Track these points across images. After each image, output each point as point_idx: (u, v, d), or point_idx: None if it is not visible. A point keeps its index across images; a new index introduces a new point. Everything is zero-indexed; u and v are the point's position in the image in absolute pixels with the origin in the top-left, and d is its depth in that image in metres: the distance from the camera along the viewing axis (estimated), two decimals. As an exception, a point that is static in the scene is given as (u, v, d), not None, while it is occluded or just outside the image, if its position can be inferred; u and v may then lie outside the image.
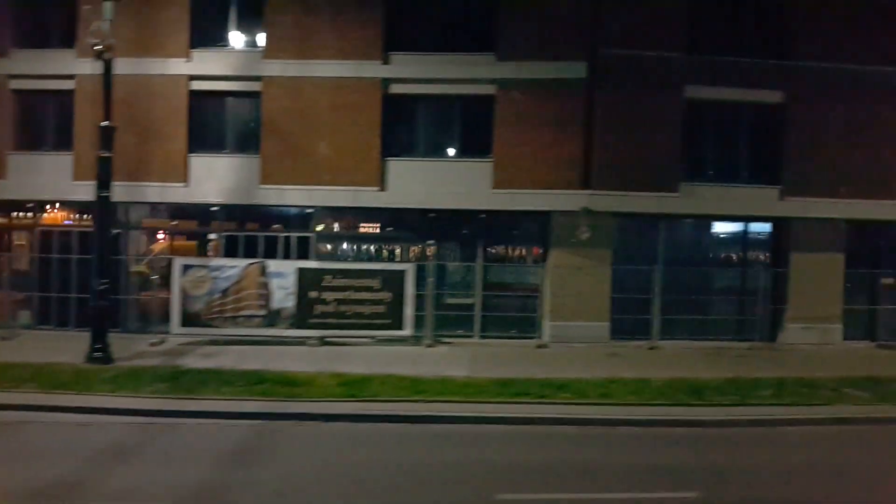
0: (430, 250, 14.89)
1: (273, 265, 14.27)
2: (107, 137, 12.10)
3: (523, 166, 15.08)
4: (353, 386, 10.57)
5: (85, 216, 15.86)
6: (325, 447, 8.23)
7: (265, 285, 14.08)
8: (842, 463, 8.11)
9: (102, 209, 12.42)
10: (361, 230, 16.88)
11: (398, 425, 9.14)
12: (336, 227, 16.36)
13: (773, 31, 15.77)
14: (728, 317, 16.10)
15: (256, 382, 10.62)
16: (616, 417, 9.62)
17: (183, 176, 15.30)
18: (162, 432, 8.65)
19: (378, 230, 16.83)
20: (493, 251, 16.37)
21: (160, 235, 16.63)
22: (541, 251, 16.01)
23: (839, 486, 7.27)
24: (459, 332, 15.49)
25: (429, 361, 12.84)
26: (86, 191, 13.60)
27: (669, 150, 15.33)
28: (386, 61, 15.20)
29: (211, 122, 15.61)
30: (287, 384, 10.58)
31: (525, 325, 15.64)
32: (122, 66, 14.68)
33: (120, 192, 14.74)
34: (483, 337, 15.58)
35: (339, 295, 14.17)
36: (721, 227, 16.97)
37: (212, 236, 15.95)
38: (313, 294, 14.11)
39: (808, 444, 8.94)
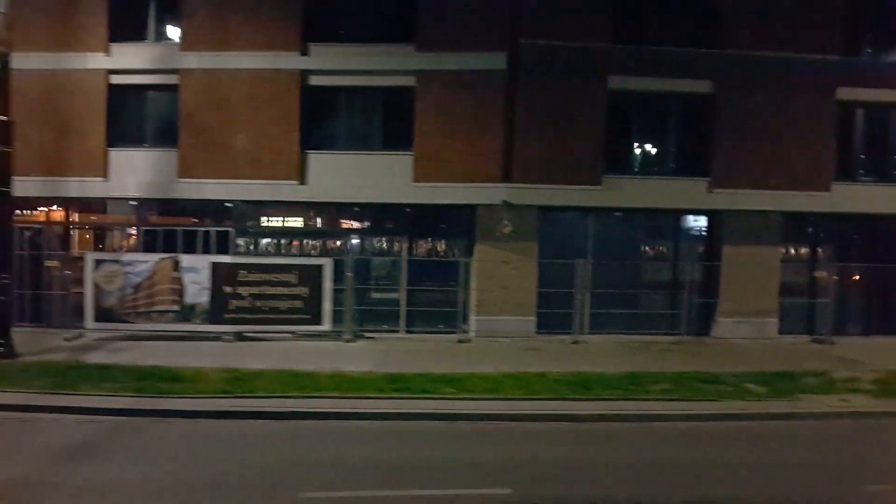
0: (350, 245, 14.71)
1: (186, 260, 14.13)
2: (4, 132, 12.02)
3: (444, 159, 14.89)
4: (237, 382, 10.40)
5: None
6: (165, 445, 8.01)
7: (178, 280, 13.95)
8: (693, 459, 7.82)
9: (3, 205, 12.32)
10: (283, 224, 16.67)
11: (262, 422, 8.96)
12: (257, 221, 16.18)
13: (700, 20, 15.45)
14: (659, 311, 15.86)
15: (140, 378, 10.49)
16: (489, 412, 9.41)
17: (102, 170, 15.23)
18: (14, 428, 8.55)
19: (301, 224, 16.64)
20: (419, 245, 16.19)
21: (132, 231, 16.53)
22: (467, 245, 15.79)
23: (667, 482, 7.00)
24: (385, 326, 15.42)
25: (340, 357, 12.68)
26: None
27: (592, 143, 15.03)
28: (304, 52, 15.02)
29: (130, 116, 15.50)
30: (170, 380, 10.41)
31: (451, 319, 15.44)
32: (40, 62, 14.78)
33: (38, 187, 14.84)
34: (409, 332, 15.46)
35: (255, 290, 14.05)
36: (653, 221, 16.65)
37: (130, 231, 15.86)
38: (228, 289, 13.99)
39: (671, 439, 8.67)
